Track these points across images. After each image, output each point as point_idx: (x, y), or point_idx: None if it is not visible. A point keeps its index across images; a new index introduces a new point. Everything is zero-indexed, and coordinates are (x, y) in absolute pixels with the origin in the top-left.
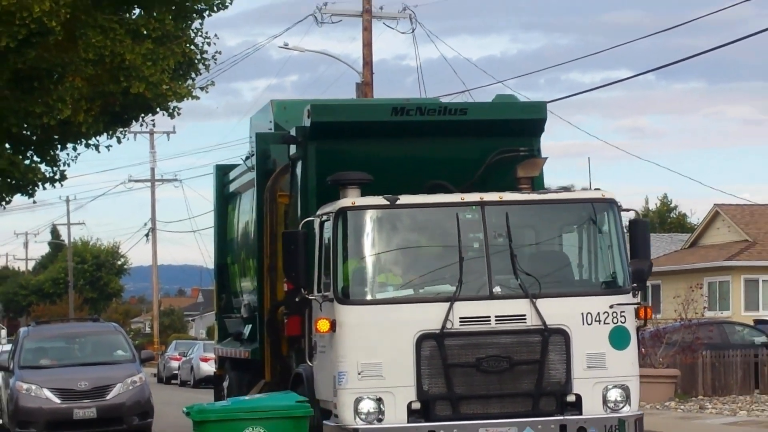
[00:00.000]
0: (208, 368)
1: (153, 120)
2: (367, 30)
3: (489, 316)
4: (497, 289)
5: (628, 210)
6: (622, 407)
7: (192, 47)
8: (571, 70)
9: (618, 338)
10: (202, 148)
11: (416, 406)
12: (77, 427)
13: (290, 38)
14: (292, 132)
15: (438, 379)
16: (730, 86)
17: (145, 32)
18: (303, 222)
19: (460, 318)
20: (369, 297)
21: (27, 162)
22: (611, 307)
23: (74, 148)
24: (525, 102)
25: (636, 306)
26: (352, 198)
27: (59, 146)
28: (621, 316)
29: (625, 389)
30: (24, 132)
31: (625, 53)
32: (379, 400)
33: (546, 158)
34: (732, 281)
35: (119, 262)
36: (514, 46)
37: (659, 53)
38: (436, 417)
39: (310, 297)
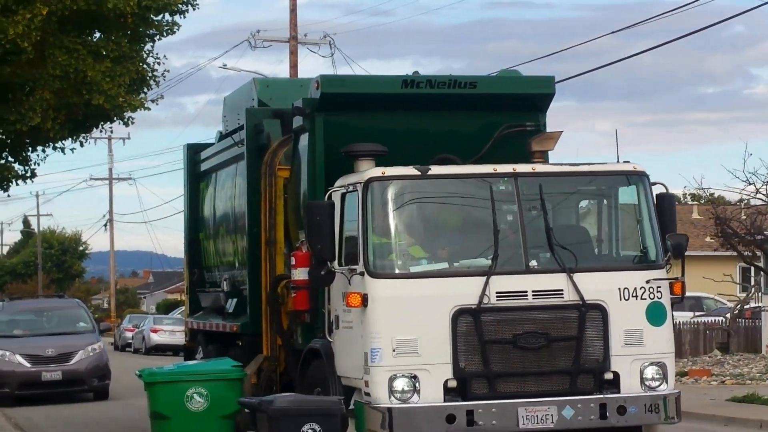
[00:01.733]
0: (158, 338)
1: (111, 127)
2: (294, 54)
3: (526, 291)
4: (533, 263)
5: (655, 183)
6: (659, 385)
7: (144, 66)
8: None
9: (655, 314)
10: (152, 152)
11: (452, 384)
12: (45, 387)
13: (228, 60)
14: (298, 104)
15: (474, 356)
16: (598, 105)
17: (104, 53)
18: (327, 193)
19: (497, 293)
20: (402, 271)
21: (2, 162)
22: (648, 282)
23: (43, 151)
24: (533, 76)
25: (671, 281)
26: (380, 168)
27: (30, 149)
28: (657, 292)
29: (662, 366)
30: (0, 136)
31: None
32: (414, 378)
33: (561, 132)
34: None
35: (81, 248)
36: (416, 68)
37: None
38: (472, 395)
39: (337, 270)
